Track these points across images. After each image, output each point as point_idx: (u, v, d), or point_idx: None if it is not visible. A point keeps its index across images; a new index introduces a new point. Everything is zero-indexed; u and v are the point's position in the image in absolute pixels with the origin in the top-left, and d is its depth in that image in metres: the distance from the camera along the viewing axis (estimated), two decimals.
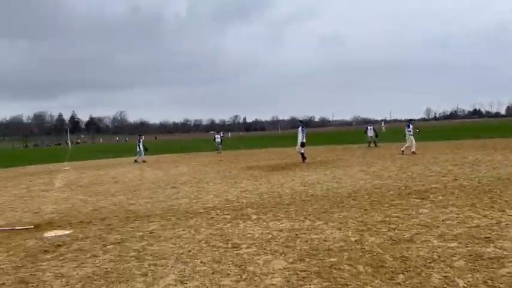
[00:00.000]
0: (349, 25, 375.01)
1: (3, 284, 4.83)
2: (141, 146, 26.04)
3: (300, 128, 18.52)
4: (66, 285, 4.67)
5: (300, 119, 28.90)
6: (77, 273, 5.07)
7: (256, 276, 4.65)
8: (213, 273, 4.83)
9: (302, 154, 18.52)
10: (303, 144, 18.36)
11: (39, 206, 10.51)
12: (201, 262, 5.25)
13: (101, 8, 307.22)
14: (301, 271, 4.71)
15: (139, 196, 11.25)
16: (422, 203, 8.01)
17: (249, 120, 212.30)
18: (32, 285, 4.73)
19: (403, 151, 20.11)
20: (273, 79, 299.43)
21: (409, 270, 4.52)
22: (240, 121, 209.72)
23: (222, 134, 36.00)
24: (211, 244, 6.05)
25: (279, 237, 6.21)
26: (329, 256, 5.20)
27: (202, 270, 4.93)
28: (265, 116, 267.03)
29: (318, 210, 8.03)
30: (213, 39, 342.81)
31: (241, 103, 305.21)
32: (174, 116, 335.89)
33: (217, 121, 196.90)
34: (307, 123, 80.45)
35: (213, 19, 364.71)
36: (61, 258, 5.77)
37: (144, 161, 25.37)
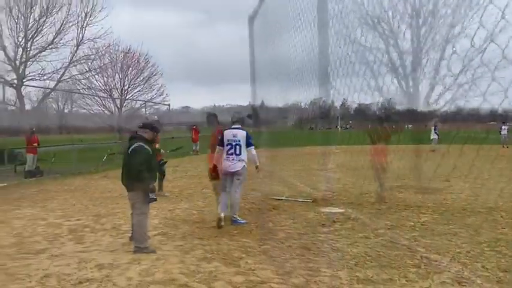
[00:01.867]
0: None
1: (290, 246, 5.61)
2: (436, 133, 24.53)
3: None
4: (342, 259, 5.02)
5: None
6: (350, 250, 5.38)
7: None
8: (498, 282, 4.25)
9: None
10: None
11: (315, 183, 11.68)
12: (483, 267, 4.69)
13: None
14: None
15: (408, 185, 10.97)
16: None
17: None
18: (314, 253, 5.30)
19: None
20: None
21: None
22: None
23: None
24: (496, 249, 5.32)
25: None
26: None
27: (485, 276, 4.40)
28: None
29: None
30: None
31: None
32: None
33: (499, 110, 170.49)
34: None
35: None
36: (336, 233, 6.24)
37: (433, 151, 23.69)
